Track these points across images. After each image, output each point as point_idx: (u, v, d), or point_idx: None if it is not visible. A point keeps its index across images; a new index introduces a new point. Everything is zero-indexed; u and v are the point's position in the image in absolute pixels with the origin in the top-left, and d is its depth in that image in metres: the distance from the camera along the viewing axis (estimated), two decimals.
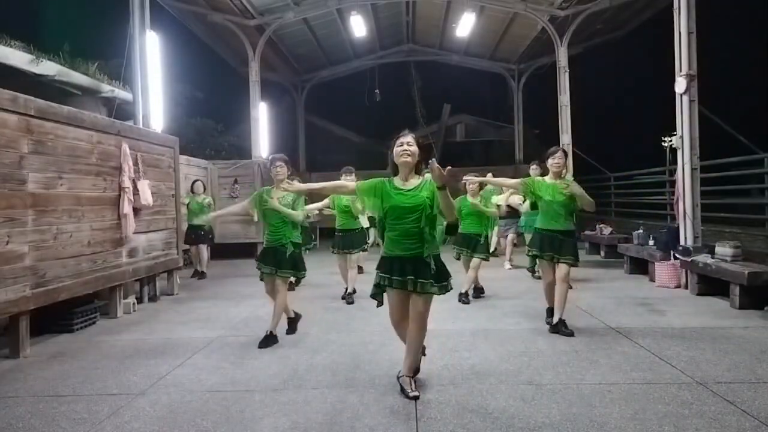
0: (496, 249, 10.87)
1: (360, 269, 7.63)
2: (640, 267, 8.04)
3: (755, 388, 3.43)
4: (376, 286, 3.52)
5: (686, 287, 6.70)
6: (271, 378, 3.85)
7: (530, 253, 5.25)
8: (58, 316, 5.28)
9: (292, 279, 5.27)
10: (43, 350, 4.73)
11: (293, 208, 4.81)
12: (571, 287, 6.89)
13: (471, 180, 5.72)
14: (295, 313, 5.16)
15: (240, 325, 5.52)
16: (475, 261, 6.31)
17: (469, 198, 6.30)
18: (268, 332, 4.74)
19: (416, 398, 3.35)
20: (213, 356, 4.43)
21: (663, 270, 7.04)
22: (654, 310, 5.75)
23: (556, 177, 4.96)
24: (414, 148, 3.44)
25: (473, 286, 6.56)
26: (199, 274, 8.90)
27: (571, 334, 4.73)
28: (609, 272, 8.30)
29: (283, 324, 5.00)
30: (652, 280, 7.39)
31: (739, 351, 4.20)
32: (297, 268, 4.90)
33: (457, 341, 4.61)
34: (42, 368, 4.21)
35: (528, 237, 8.39)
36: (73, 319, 5.33)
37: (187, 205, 8.76)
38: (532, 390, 3.48)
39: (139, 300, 6.71)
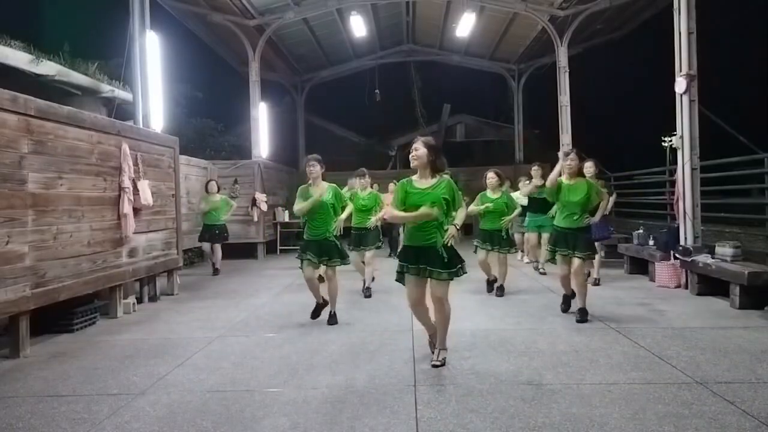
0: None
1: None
2: (640, 267, 8.04)
3: (755, 388, 3.43)
4: (398, 272, 3.99)
5: (686, 287, 6.70)
6: (271, 378, 3.85)
7: (548, 249, 5.69)
8: (58, 316, 5.28)
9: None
10: (43, 350, 4.73)
11: (334, 209, 5.37)
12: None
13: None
14: (324, 300, 5.53)
15: (240, 325, 5.52)
16: (502, 256, 6.59)
17: (489, 194, 6.53)
18: (331, 312, 5.44)
19: (435, 366, 3.90)
20: (213, 356, 4.43)
21: (663, 270, 7.03)
22: (654, 310, 5.74)
23: (571, 177, 5.34)
24: (420, 152, 3.86)
25: (495, 282, 6.73)
26: (214, 270, 9.27)
27: (582, 321, 5.18)
28: (609, 272, 8.29)
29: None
30: (652, 280, 7.39)
31: (739, 351, 4.20)
32: (342, 256, 5.39)
33: (457, 341, 4.61)
34: (42, 368, 4.21)
35: (530, 236, 8.64)
36: (73, 319, 5.33)
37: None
38: (532, 390, 3.48)
39: (139, 300, 6.71)
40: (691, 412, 3.09)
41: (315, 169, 5.28)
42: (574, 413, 3.10)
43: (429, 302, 4.03)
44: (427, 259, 3.82)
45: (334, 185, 5.51)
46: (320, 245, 5.26)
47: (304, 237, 5.41)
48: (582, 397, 3.33)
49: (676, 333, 4.78)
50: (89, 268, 5.46)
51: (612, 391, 3.42)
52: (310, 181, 5.37)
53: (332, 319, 5.41)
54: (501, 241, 6.56)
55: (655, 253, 7.36)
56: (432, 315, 4.10)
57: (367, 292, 6.82)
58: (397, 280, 4.02)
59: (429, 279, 3.88)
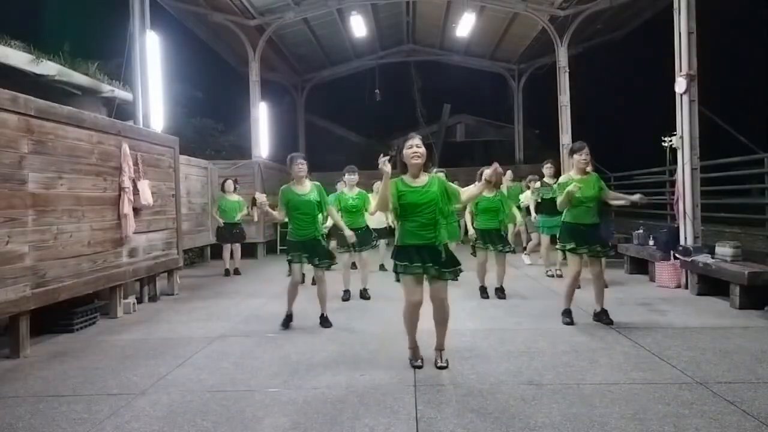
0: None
1: (353, 266, 7.43)
2: (640, 267, 8.03)
3: (755, 388, 3.43)
4: (395, 272, 3.91)
5: (686, 287, 6.69)
6: (271, 378, 3.85)
7: (566, 248, 5.16)
8: (59, 316, 5.28)
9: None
10: (43, 350, 4.73)
11: (320, 207, 5.23)
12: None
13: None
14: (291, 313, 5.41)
15: (240, 324, 5.52)
16: (500, 256, 6.46)
17: (485, 193, 6.27)
18: (323, 315, 5.36)
19: (442, 368, 3.88)
20: (213, 356, 4.43)
21: (663, 270, 7.03)
22: (654, 310, 5.74)
23: (581, 173, 5.13)
24: (423, 150, 3.88)
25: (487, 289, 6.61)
26: (234, 271, 9.26)
27: (610, 323, 5.05)
28: (609, 272, 8.25)
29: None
30: (652, 280, 7.39)
31: (739, 351, 4.19)
32: (331, 257, 5.35)
33: (457, 341, 4.61)
34: (42, 368, 4.21)
35: (544, 239, 8.20)
36: (73, 319, 5.33)
37: (220, 205, 9.32)
38: (532, 390, 3.48)
39: (139, 300, 6.71)
40: (692, 412, 3.09)
41: (304, 167, 5.17)
42: (575, 413, 3.10)
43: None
44: (430, 258, 3.79)
45: (318, 183, 5.34)
46: (305, 245, 5.14)
47: (289, 238, 5.25)
48: (582, 397, 3.33)
49: (676, 333, 4.78)
50: (89, 268, 5.46)
51: (612, 391, 3.42)
52: (293, 180, 5.21)
53: (325, 322, 5.30)
54: (498, 240, 6.40)
55: (655, 253, 7.35)
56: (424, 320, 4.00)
57: (365, 294, 6.69)
58: (396, 280, 3.92)
59: (430, 279, 3.84)
